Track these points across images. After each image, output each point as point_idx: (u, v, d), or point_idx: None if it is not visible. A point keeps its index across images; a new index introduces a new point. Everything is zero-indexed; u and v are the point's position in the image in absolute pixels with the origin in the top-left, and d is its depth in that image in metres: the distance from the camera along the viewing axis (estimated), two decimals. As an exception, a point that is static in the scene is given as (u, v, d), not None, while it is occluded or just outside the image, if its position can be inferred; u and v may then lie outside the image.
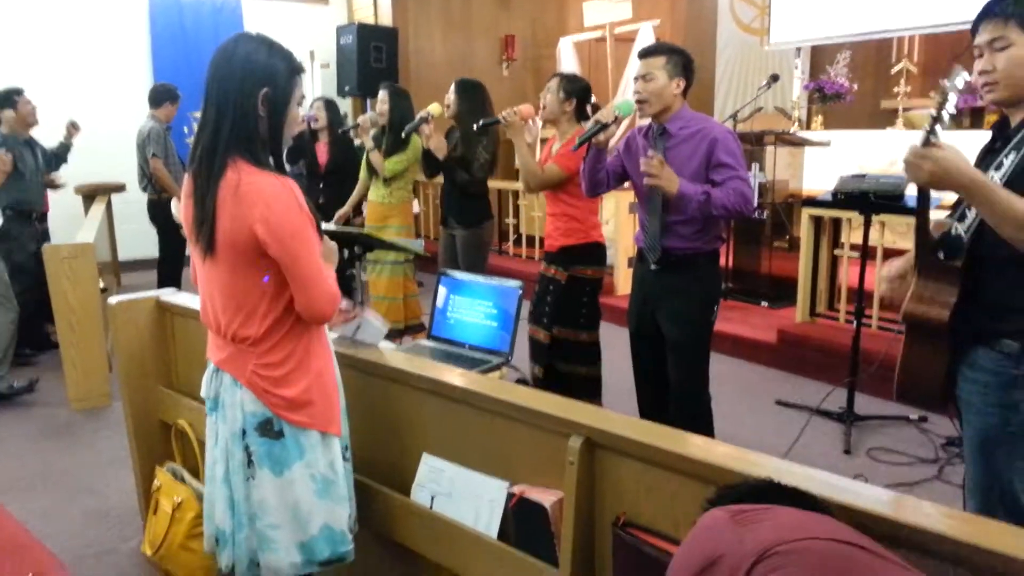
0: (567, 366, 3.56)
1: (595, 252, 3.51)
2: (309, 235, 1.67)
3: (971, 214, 1.82)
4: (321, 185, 5.02)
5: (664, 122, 2.81)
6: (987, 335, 1.82)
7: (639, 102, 2.80)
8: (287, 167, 1.86)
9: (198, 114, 1.73)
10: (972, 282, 1.83)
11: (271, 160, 1.70)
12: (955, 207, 1.90)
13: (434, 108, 4.13)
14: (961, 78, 1.76)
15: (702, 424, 2.93)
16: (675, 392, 2.95)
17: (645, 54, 2.82)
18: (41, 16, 7.37)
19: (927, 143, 1.70)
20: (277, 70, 1.68)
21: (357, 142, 4.49)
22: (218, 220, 1.63)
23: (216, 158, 1.63)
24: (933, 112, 1.74)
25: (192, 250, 1.77)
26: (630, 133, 3.00)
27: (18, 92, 4.91)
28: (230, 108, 1.64)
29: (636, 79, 2.82)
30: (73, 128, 5.51)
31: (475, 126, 3.59)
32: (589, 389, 3.60)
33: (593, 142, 2.82)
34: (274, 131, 1.71)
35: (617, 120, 2.78)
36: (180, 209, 1.82)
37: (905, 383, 2.02)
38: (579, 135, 3.38)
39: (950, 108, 1.73)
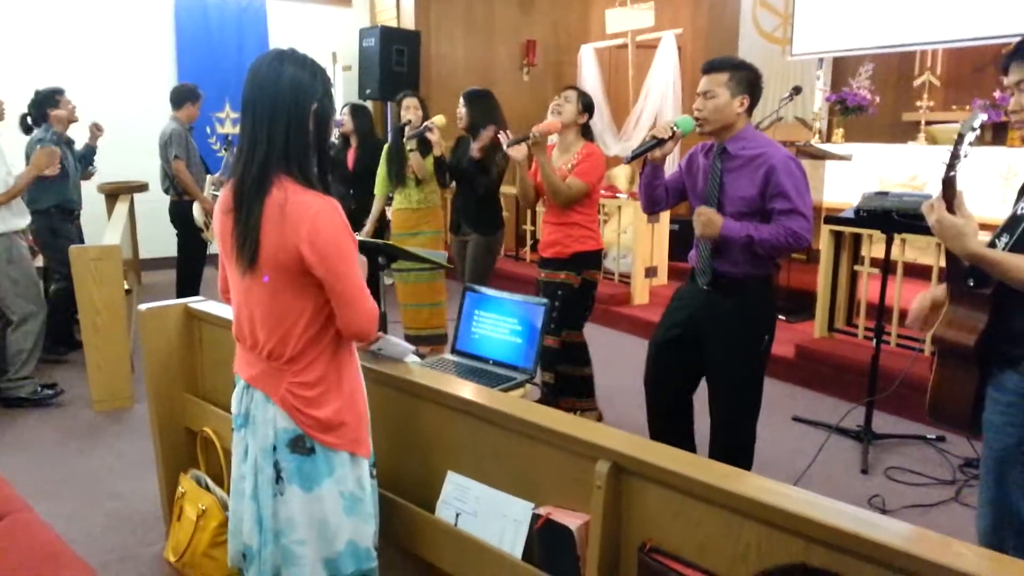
0: (572, 368, 3.74)
1: (599, 256, 3.74)
2: (353, 254, 1.70)
3: (1000, 244, 1.85)
4: (351, 191, 5.04)
5: (724, 141, 2.70)
6: (1013, 359, 1.86)
7: (699, 120, 2.69)
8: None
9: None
10: (1001, 309, 1.86)
11: (317, 175, 1.74)
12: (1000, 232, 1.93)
13: (438, 119, 4.32)
14: (980, 118, 1.80)
15: (740, 463, 2.81)
16: (716, 427, 2.84)
17: (708, 69, 2.69)
18: (66, 16, 7.44)
19: (946, 190, 1.77)
20: (320, 86, 1.74)
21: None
22: (262, 238, 1.66)
23: (266, 177, 1.67)
24: (948, 156, 1.79)
25: (228, 265, 1.79)
26: (692, 150, 2.90)
27: (60, 92, 5.03)
28: (282, 126, 1.67)
29: (697, 95, 2.70)
30: (96, 130, 5.58)
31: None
32: (589, 387, 3.83)
33: (649, 158, 2.77)
34: (321, 144, 1.76)
35: (675, 136, 2.71)
36: (215, 222, 1.84)
37: (935, 405, 2.06)
38: (584, 152, 3.53)
39: (966, 149, 1.78)
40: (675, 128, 2.70)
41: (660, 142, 2.71)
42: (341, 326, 1.72)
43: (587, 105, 3.65)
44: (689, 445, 2.98)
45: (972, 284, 1.90)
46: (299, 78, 1.69)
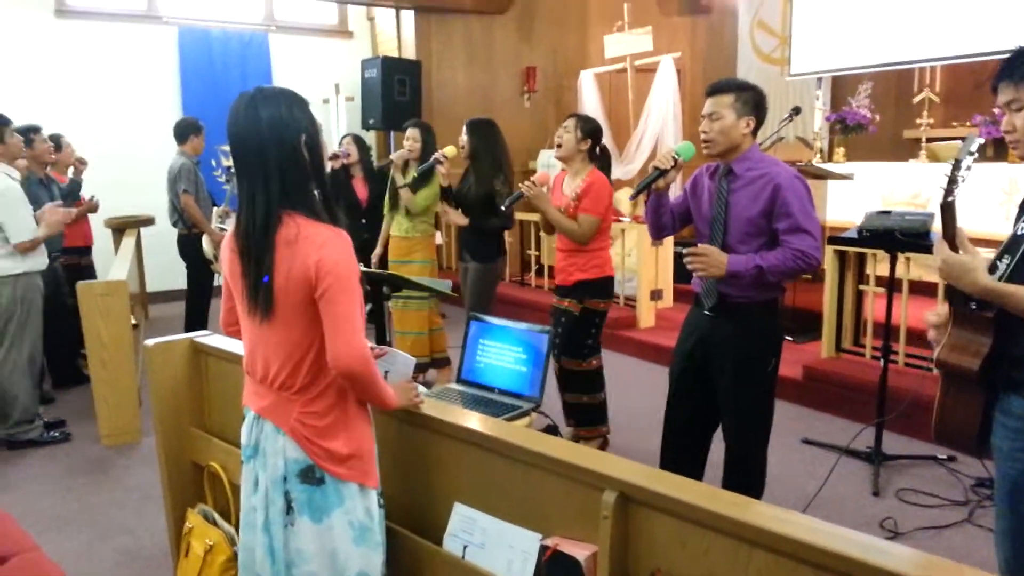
0: (572, 396, 3.74)
1: (607, 285, 3.71)
2: (353, 286, 1.70)
3: (1002, 266, 1.84)
4: (364, 221, 5.08)
5: (731, 162, 2.68)
6: (1019, 383, 1.83)
7: (705, 142, 2.67)
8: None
9: (226, 147, 1.78)
10: (1004, 332, 1.85)
11: (321, 199, 1.75)
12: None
13: (449, 150, 4.36)
14: (976, 143, 1.81)
15: (750, 492, 2.68)
16: (728, 452, 2.82)
17: (713, 91, 2.68)
18: (73, 52, 7.55)
19: (945, 216, 1.77)
20: (301, 115, 1.74)
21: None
22: (276, 279, 1.68)
23: (270, 222, 1.68)
24: (946, 178, 1.80)
25: (239, 303, 1.81)
26: (696, 172, 2.88)
27: (35, 130, 4.91)
28: (275, 170, 1.69)
29: (703, 117, 2.68)
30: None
31: (502, 207, 3.79)
32: (596, 415, 3.79)
33: (652, 188, 2.75)
34: (317, 169, 1.77)
35: (677, 165, 2.69)
36: (223, 258, 1.86)
37: (941, 428, 2.04)
38: (591, 182, 3.55)
39: (964, 174, 1.79)
40: (676, 157, 2.68)
41: (662, 172, 2.69)
42: (330, 358, 1.69)
43: (589, 131, 3.63)
44: (697, 476, 2.93)
45: (975, 307, 1.89)
46: (277, 116, 1.69)
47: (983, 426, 1.94)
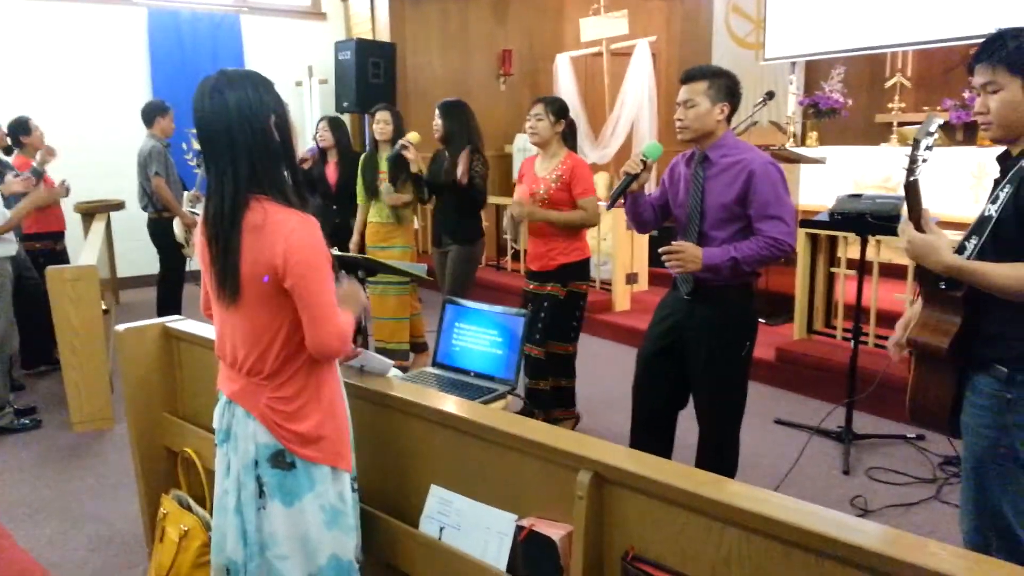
0: (553, 381, 3.76)
1: (587, 267, 3.76)
2: (325, 272, 1.70)
3: (970, 246, 1.88)
4: (335, 207, 5.03)
5: (706, 149, 2.69)
6: (985, 361, 1.88)
7: (679, 128, 2.69)
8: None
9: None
10: (975, 310, 1.88)
11: (291, 181, 1.74)
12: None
13: (412, 136, 4.33)
14: (935, 123, 1.83)
15: (724, 473, 2.77)
16: (702, 433, 2.86)
17: (687, 79, 2.69)
18: (40, 34, 7.38)
19: (909, 196, 1.79)
20: (268, 97, 1.72)
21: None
22: (242, 266, 1.67)
23: (238, 206, 1.67)
24: (907, 158, 1.83)
25: (210, 286, 1.80)
26: (673, 160, 2.89)
27: None
28: (243, 153, 1.67)
29: (678, 105, 2.69)
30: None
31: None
32: (569, 399, 3.85)
33: (627, 192, 2.78)
34: (288, 149, 1.76)
35: (647, 166, 2.70)
36: (197, 244, 1.84)
37: (915, 407, 2.08)
38: (579, 183, 3.58)
39: (924, 153, 1.82)
40: (645, 159, 2.70)
41: (634, 177, 2.71)
42: (308, 344, 1.71)
43: (559, 112, 3.64)
44: (667, 456, 2.96)
45: (944, 286, 1.92)
46: (244, 100, 1.67)
47: (955, 405, 1.98)
